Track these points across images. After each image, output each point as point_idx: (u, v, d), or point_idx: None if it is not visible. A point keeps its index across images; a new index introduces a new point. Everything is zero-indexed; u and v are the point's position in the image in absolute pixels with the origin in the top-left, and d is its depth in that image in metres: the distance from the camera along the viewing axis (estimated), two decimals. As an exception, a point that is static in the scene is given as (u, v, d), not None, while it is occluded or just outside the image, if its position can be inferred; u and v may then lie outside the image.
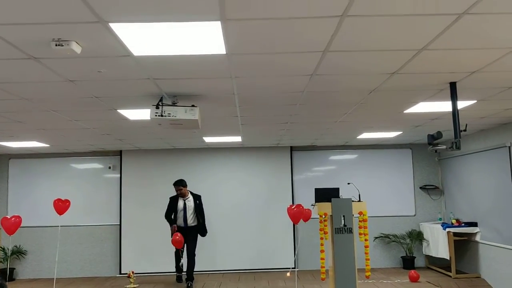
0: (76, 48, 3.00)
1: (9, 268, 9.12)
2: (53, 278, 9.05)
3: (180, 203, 7.91)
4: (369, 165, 9.67)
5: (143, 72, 3.78)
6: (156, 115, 4.51)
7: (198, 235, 7.96)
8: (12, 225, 6.74)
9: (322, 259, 6.68)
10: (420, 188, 9.57)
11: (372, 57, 3.51)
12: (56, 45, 2.94)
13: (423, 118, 6.45)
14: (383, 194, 9.50)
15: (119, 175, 9.52)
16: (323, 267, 6.66)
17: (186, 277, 7.81)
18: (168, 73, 3.85)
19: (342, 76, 4.07)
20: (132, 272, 7.99)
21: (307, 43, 3.18)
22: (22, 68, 3.54)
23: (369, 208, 7.17)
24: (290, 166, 9.58)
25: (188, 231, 7.82)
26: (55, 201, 7.49)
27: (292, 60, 3.56)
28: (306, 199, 9.16)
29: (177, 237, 7.46)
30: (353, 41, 3.14)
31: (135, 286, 7.96)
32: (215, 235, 9.24)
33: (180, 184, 7.91)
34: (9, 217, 6.88)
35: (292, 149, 9.62)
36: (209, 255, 9.15)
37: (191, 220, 7.88)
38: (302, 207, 7.24)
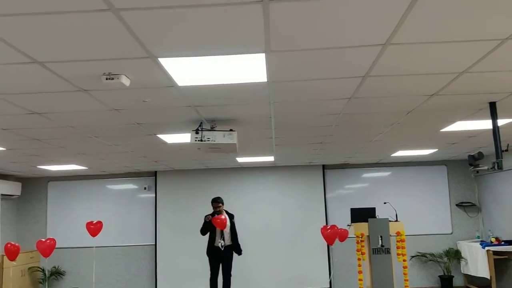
0: (125, 81, 3.12)
1: (48, 288, 9.36)
2: (91, 298, 9.25)
3: None
4: (403, 182, 9.56)
5: (185, 100, 3.88)
6: (196, 140, 4.60)
7: (233, 254, 7.77)
8: (47, 248, 6.90)
9: (360, 280, 6.63)
10: (457, 205, 9.39)
11: (413, 80, 3.53)
12: (106, 78, 3.07)
13: (460, 136, 6.37)
14: (418, 212, 9.34)
15: (154, 195, 9.68)
16: (362, 287, 6.59)
17: None
18: (209, 101, 3.95)
19: (381, 99, 4.09)
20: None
21: (347, 70, 3.23)
22: (71, 99, 3.70)
23: (405, 226, 7.07)
24: (322, 185, 9.55)
25: (224, 251, 7.63)
26: (87, 224, 7.66)
27: (331, 85, 3.61)
28: (340, 218, 9.12)
29: (220, 219, 7.19)
30: (395, 66, 3.17)
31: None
32: (248, 255, 9.22)
33: (219, 201, 7.64)
34: (44, 240, 7.05)
35: (324, 167, 9.60)
36: (242, 275, 9.13)
37: (228, 240, 7.64)
38: (337, 227, 7.20)
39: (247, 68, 3.12)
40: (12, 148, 5.90)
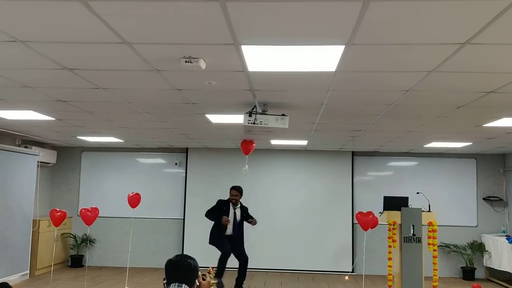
0: (202, 65, 3.24)
1: (78, 255, 9.67)
2: (119, 267, 9.56)
3: (231, 211, 7.40)
4: (430, 173, 9.62)
5: (247, 84, 3.99)
6: (249, 122, 4.73)
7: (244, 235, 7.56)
8: (92, 217, 7.13)
9: (389, 266, 6.76)
10: (483, 199, 9.44)
11: (477, 77, 3.59)
12: (185, 61, 3.18)
13: (499, 132, 6.41)
14: (444, 203, 9.42)
15: (184, 171, 9.87)
16: (391, 274, 6.74)
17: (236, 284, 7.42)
18: (271, 86, 4.06)
19: (438, 92, 4.15)
20: (212, 268, 8.07)
21: (417, 64, 3.30)
22: (140, 77, 3.83)
23: (426, 215, 7.15)
24: (351, 171, 9.66)
25: (234, 238, 7.41)
26: (128, 195, 7.86)
27: (395, 78, 3.69)
28: (366, 204, 9.26)
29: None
30: (465, 64, 3.24)
31: (214, 281, 8.18)
32: (275, 234, 9.46)
33: (240, 191, 7.46)
34: (89, 208, 7.28)
35: (353, 153, 9.70)
36: (269, 253, 9.37)
37: (237, 230, 7.44)
38: (373, 214, 7.32)
39: (320, 58, 3.21)
40: (62, 118, 6.07)
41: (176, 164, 9.91)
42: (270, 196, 9.65)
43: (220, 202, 7.50)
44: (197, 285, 2.85)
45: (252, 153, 8.84)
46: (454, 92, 4.12)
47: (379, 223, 7.49)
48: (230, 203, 7.45)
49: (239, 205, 7.52)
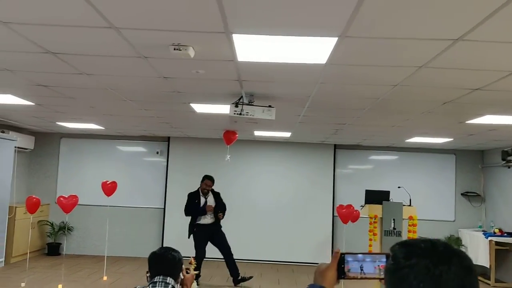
0: (191, 53, 3.16)
1: (55, 242, 9.50)
2: (97, 256, 9.43)
3: (202, 200, 7.36)
4: (411, 167, 9.72)
5: (235, 74, 3.93)
6: (235, 113, 4.67)
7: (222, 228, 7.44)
8: (71, 205, 6.99)
9: (369, 259, 6.81)
10: (462, 194, 9.59)
11: (466, 74, 3.61)
12: (174, 49, 3.10)
13: (481, 128, 6.48)
14: (423, 197, 9.49)
15: (166, 160, 9.76)
16: (370, 267, 6.79)
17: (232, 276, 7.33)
18: (259, 77, 4.00)
19: (425, 88, 4.16)
20: (193, 259, 7.98)
21: (408, 59, 3.29)
22: (126, 64, 3.73)
23: (407, 210, 7.23)
24: (332, 164, 9.70)
25: (210, 229, 7.32)
26: (103, 183, 7.72)
27: (384, 72, 3.67)
28: (347, 197, 9.31)
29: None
30: (456, 60, 3.23)
31: (195, 272, 8.14)
32: (256, 225, 9.46)
33: (213, 180, 7.42)
34: (66, 196, 7.12)
35: (336, 146, 9.72)
36: (248, 244, 9.36)
37: (210, 219, 7.35)
38: (353, 208, 7.36)
39: (311, 50, 3.17)
40: (42, 104, 5.92)
41: (157, 153, 9.79)
42: (251, 187, 9.62)
43: (190, 195, 7.47)
44: (181, 278, 2.80)
45: (235, 144, 8.77)
46: (441, 88, 4.14)
47: (360, 216, 7.55)
48: (201, 192, 7.40)
49: (209, 194, 7.44)
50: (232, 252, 7.31)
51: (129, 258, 9.43)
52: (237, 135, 7.99)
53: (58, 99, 5.51)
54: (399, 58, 3.28)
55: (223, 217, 7.33)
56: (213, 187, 7.49)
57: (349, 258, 1.53)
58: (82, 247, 9.69)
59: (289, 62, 3.47)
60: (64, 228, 9.56)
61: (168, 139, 9.79)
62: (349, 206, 7.30)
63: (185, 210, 7.42)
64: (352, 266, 1.53)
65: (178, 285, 2.74)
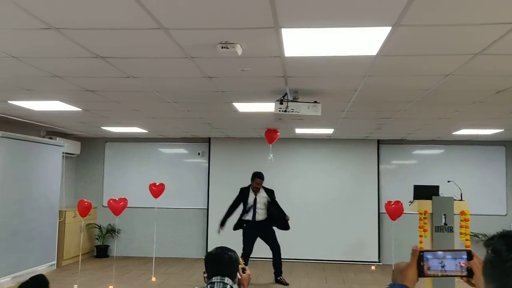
0: (239, 50, 3.13)
1: (104, 245, 9.71)
2: (144, 257, 9.59)
3: (251, 198, 7.33)
4: (458, 161, 9.40)
5: (281, 70, 3.87)
6: (280, 110, 4.62)
7: (274, 228, 7.39)
8: (120, 207, 7.13)
9: (420, 256, 6.62)
10: (514, 187, 9.22)
11: (525, 60, 3.42)
12: (222, 47, 3.08)
13: (535, 117, 6.19)
14: (472, 191, 9.12)
15: (207, 161, 9.82)
16: (421, 264, 6.60)
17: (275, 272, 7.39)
18: (305, 72, 3.94)
19: (480, 77, 3.99)
20: (242, 258, 8.00)
21: (463, 47, 3.15)
22: (172, 65, 3.74)
23: (458, 204, 6.98)
24: (376, 159, 9.50)
25: (260, 226, 7.29)
26: (150, 185, 7.83)
27: (436, 62, 3.54)
28: (393, 193, 9.09)
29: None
30: (515, 45, 3.07)
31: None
32: (300, 224, 9.35)
33: (263, 178, 7.34)
34: (117, 199, 7.26)
35: (379, 142, 9.52)
36: (294, 243, 9.27)
37: (260, 216, 7.30)
38: (401, 204, 7.17)
39: (362, 41, 3.08)
40: (89, 109, 6.04)
41: (199, 154, 9.86)
42: (294, 185, 9.54)
43: (242, 190, 7.53)
44: (238, 278, 2.77)
45: (276, 143, 8.71)
46: (496, 76, 3.95)
47: (409, 212, 7.35)
48: (251, 190, 7.39)
49: (261, 191, 7.40)
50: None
51: (175, 259, 9.53)
52: (278, 134, 7.94)
53: (104, 104, 5.61)
54: (454, 46, 3.14)
55: (289, 218, 7.33)
56: (263, 185, 7.47)
57: (428, 255, 1.47)
58: (129, 248, 9.86)
59: (337, 55, 3.39)
60: (112, 231, 9.76)
61: (209, 140, 9.84)
62: (397, 202, 7.11)
63: (231, 205, 7.49)
64: (432, 263, 1.47)
65: (236, 285, 2.71)
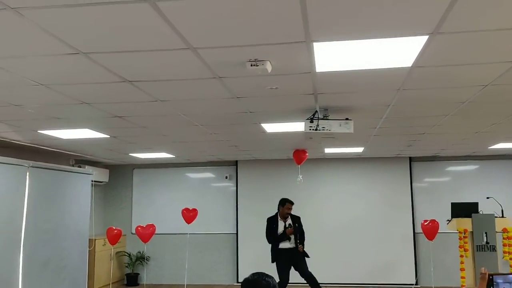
0: (268, 67, 3.04)
1: (134, 273, 9.63)
2: (175, 284, 9.47)
3: (281, 225, 7.09)
4: (494, 176, 9.04)
5: (311, 87, 3.77)
6: (310, 129, 4.49)
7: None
8: (149, 234, 7.06)
9: (462, 277, 6.32)
10: (556, 201, 8.77)
11: None
12: (251, 65, 2.99)
13: None
14: (510, 208, 8.80)
15: (235, 184, 9.71)
16: (464, 285, 6.29)
17: None
18: (336, 88, 3.82)
19: (521, 86, 3.79)
20: None
21: (503, 54, 2.98)
22: (200, 87, 3.67)
23: (499, 221, 6.65)
24: (409, 178, 9.22)
25: (291, 254, 7.02)
26: (183, 210, 7.76)
27: (474, 71, 3.37)
28: (427, 212, 8.79)
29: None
30: (562, 49, 2.89)
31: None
32: (332, 246, 9.11)
33: (292, 203, 7.13)
34: (144, 226, 7.21)
35: (411, 159, 9.25)
36: (326, 267, 9.01)
37: (291, 244, 7.04)
38: (437, 222, 6.89)
39: (397, 53, 2.95)
40: (116, 135, 6.04)
41: (226, 177, 9.77)
42: (324, 207, 9.32)
43: (269, 220, 7.23)
44: None
45: (304, 164, 8.56)
46: (539, 84, 3.75)
47: (445, 231, 7.06)
48: (279, 217, 7.14)
49: (288, 217, 7.16)
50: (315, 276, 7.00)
51: (205, 285, 9.37)
52: (307, 154, 7.79)
53: (131, 130, 5.59)
54: (494, 53, 2.98)
55: (303, 249, 7.00)
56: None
57: (498, 279, 1.32)
58: (159, 276, 9.76)
59: (370, 68, 3.25)
60: (142, 258, 9.69)
61: (236, 163, 9.75)
62: (433, 221, 6.85)
63: (266, 237, 7.14)
64: None
65: None
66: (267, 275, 2.59)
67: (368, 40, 2.71)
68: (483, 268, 1.36)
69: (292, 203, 7.14)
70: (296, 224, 7.12)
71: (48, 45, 2.66)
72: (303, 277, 7.02)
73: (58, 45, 2.66)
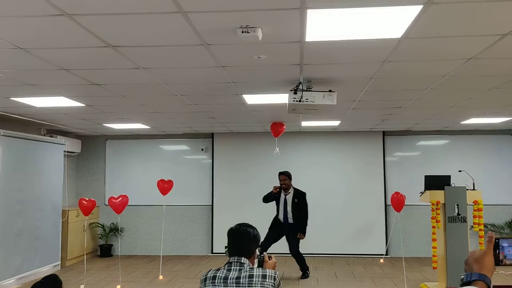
0: (259, 35, 2.99)
1: (107, 244, 9.56)
2: (149, 255, 9.45)
3: (282, 196, 7.35)
4: (465, 150, 9.30)
5: (297, 57, 3.73)
6: (294, 100, 4.47)
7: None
8: (120, 205, 6.97)
9: (434, 247, 6.52)
10: (522, 176, 9.13)
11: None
12: (242, 32, 2.93)
13: (548, 104, 6.09)
14: (479, 181, 9.04)
15: (211, 157, 9.67)
16: (435, 255, 6.50)
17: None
18: (322, 59, 3.80)
19: (502, 60, 3.86)
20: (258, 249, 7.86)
21: (493, 26, 3.02)
22: (186, 54, 3.59)
23: (471, 194, 6.88)
24: (382, 151, 9.39)
25: (288, 229, 7.30)
26: (158, 181, 7.68)
27: (462, 44, 3.40)
28: (399, 184, 9.00)
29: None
30: (548, 24, 2.95)
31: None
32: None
33: (287, 175, 7.31)
34: (116, 197, 7.10)
35: (384, 133, 9.40)
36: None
37: (290, 219, 7.30)
38: (401, 194, 7.18)
39: (388, 23, 2.94)
40: (92, 104, 5.88)
41: (202, 149, 9.71)
42: (300, 180, 9.32)
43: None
44: (260, 257, 2.72)
45: (280, 137, 8.58)
46: (520, 59, 3.83)
47: (415, 203, 7.29)
48: (282, 190, 7.37)
49: (291, 191, 7.37)
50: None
51: (180, 256, 9.39)
52: (284, 127, 7.80)
53: (109, 99, 5.45)
54: (484, 26, 3.01)
55: (303, 237, 7.34)
56: (295, 187, 7.46)
57: (504, 243, 1.35)
58: (133, 247, 9.72)
59: (360, 38, 3.24)
60: (115, 230, 9.61)
61: (212, 136, 9.69)
62: (397, 193, 7.13)
63: (263, 197, 7.50)
64: (508, 252, 1.35)
65: (256, 260, 2.66)
66: (249, 225, 2.75)
67: (363, 8, 2.69)
68: (490, 232, 1.39)
69: (283, 174, 7.34)
70: (295, 200, 7.31)
71: (32, 5, 2.53)
72: (290, 253, 7.30)
73: (42, 6, 2.54)
